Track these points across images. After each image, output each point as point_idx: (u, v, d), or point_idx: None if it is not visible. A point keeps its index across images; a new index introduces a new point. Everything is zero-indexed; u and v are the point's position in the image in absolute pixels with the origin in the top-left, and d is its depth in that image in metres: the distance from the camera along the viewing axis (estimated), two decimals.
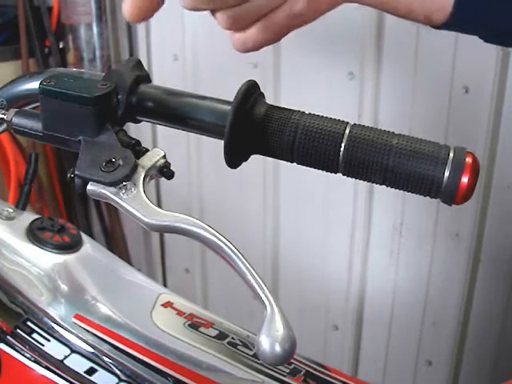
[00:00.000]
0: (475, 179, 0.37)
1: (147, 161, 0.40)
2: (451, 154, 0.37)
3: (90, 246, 0.62)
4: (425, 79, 1.07)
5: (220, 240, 0.35)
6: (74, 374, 0.52)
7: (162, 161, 0.41)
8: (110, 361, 0.52)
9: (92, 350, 0.52)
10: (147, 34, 1.43)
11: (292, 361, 0.56)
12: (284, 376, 0.54)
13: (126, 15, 0.42)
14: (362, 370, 1.38)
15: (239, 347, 0.55)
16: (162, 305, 0.58)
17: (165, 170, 0.41)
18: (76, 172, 0.39)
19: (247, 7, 0.45)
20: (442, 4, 0.45)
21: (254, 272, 0.35)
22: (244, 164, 0.43)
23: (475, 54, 0.99)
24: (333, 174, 0.41)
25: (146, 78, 0.45)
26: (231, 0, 0.44)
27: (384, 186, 0.40)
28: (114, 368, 0.52)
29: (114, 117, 0.42)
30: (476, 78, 1.02)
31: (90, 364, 0.52)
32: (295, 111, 0.41)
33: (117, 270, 0.62)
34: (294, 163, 0.41)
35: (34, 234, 0.59)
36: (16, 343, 0.54)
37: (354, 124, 0.40)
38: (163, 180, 0.42)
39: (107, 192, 0.38)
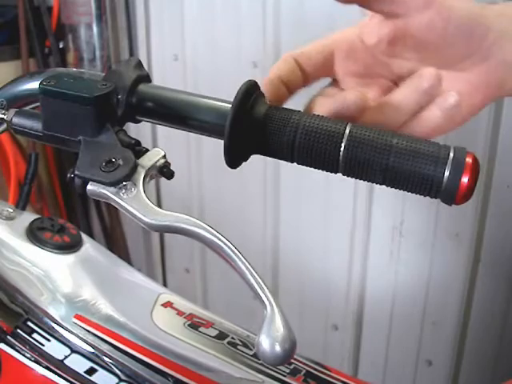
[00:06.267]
0: (475, 179, 0.37)
1: (147, 161, 0.40)
2: (451, 154, 0.37)
3: (90, 246, 0.62)
4: None
5: (220, 240, 0.35)
6: (74, 373, 0.52)
7: (162, 161, 0.41)
8: (110, 361, 0.52)
9: (92, 350, 0.52)
10: (147, 34, 1.43)
11: (292, 361, 0.56)
12: (284, 376, 0.54)
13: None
14: (362, 370, 1.38)
15: (239, 347, 0.55)
16: (162, 305, 0.58)
17: (165, 170, 0.41)
18: (76, 172, 0.38)
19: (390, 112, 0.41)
20: None
21: (253, 272, 0.34)
22: (244, 164, 0.43)
23: None
24: (333, 173, 0.41)
25: (146, 78, 0.45)
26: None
27: (384, 186, 0.40)
28: (114, 368, 0.52)
29: (113, 117, 0.42)
30: None
31: (90, 364, 0.52)
32: (295, 111, 0.41)
33: (117, 270, 0.62)
34: (294, 163, 0.41)
35: (34, 234, 0.59)
36: (16, 343, 0.54)
37: (354, 124, 0.40)
38: (163, 180, 0.42)
39: (107, 192, 0.38)
